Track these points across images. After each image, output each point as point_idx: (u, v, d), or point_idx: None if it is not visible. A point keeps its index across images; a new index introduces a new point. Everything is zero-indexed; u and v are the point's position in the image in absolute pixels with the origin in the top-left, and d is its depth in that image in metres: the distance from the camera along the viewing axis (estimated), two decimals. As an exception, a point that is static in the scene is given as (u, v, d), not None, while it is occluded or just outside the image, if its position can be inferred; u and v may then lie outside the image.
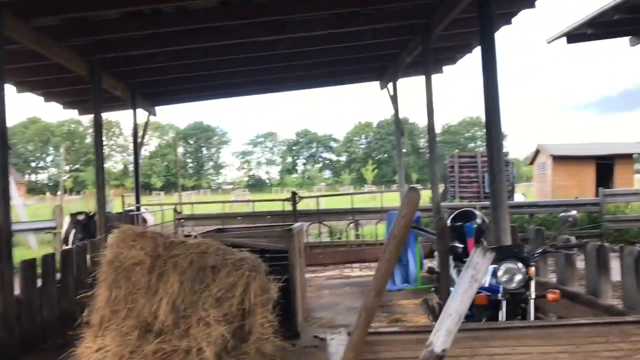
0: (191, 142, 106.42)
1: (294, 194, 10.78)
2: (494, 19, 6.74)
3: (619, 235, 14.53)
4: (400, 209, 2.38)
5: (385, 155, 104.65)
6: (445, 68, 13.30)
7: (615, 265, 4.66)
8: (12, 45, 7.60)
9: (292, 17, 8.97)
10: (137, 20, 8.23)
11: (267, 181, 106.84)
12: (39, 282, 6.93)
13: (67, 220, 12.25)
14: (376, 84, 14.18)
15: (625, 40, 13.50)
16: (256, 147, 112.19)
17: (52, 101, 12.25)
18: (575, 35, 12.82)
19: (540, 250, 4.27)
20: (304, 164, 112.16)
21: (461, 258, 5.00)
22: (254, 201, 12.29)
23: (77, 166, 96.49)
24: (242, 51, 10.14)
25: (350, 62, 12.17)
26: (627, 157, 23.54)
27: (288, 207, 11.16)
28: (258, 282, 5.51)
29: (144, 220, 12.99)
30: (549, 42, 13.65)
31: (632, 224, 14.41)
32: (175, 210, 14.91)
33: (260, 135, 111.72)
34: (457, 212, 5.14)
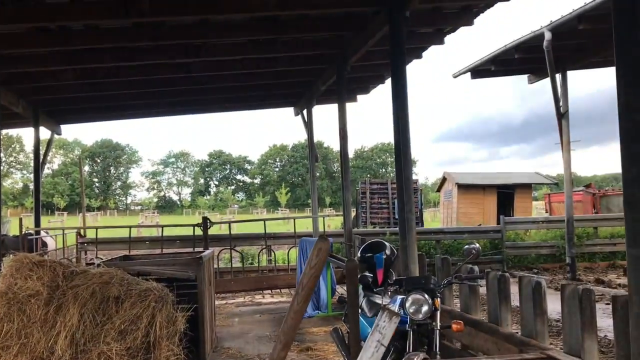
0: (98, 160, 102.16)
1: (205, 219, 10.55)
2: (405, 52, 6.99)
3: (518, 261, 15.37)
4: (310, 260, 2.39)
5: (299, 178, 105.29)
6: (359, 97, 13.66)
7: (514, 290, 4.89)
8: None
9: (208, 40, 8.89)
10: (43, 37, 7.85)
11: (178, 203, 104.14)
12: None
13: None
14: (290, 109, 14.29)
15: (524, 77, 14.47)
16: (167, 167, 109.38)
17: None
18: (479, 71, 13.60)
19: (445, 282, 4.42)
20: (217, 185, 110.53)
21: (371, 288, 5.08)
22: (163, 226, 11.86)
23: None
24: (154, 72, 9.93)
25: (265, 87, 12.20)
26: (526, 187, 25.17)
27: (199, 231, 10.92)
28: (164, 313, 5.33)
29: (44, 245, 12.25)
30: (455, 77, 14.40)
31: (530, 250, 15.30)
32: (78, 233, 14.19)
33: (172, 155, 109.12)
34: (367, 243, 5.23)
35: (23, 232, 10.83)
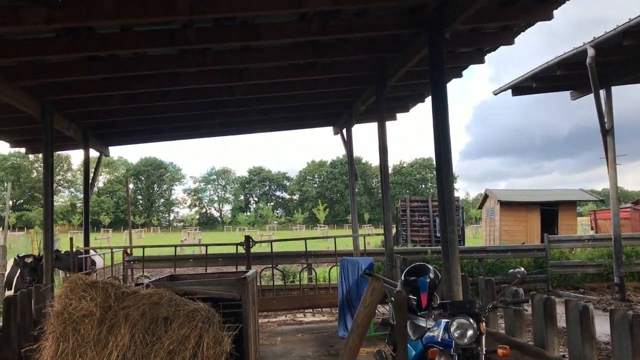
0: (142, 178, 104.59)
1: (247, 237, 10.72)
2: (445, 73, 7.02)
3: (564, 280, 15.01)
4: (364, 299, 2.46)
5: (338, 194, 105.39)
6: (398, 114, 13.68)
7: (560, 310, 4.84)
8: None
9: (250, 65, 9.12)
10: (94, 64, 8.20)
11: (219, 219, 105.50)
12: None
13: (10, 263, 11.78)
14: (329, 128, 14.43)
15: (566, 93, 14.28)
16: (209, 184, 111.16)
17: (1, 140, 11.94)
18: (520, 88, 13.49)
19: (490, 306, 4.42)
20: (257, 202, 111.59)
21: (414, 310, 5.10)
22: (207, 245, 12.09)
23: (20, 201, 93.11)
24: (199, 95, 10.21)
25: (305, 108, 12.38)
26: (570, 204, 24.55)
27: (241, 249, 11.11)
28: (211, 333, 5.45)
29: (93, 263, 12.64)
30: (495, 94, 14.31)
31: (576, 269, 14.93)
32: (125, 252, 14.58)
33: (214, 172, 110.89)
34: (410, 266, 5.25)
35: (74, 251, 11.20)
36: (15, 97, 8.23)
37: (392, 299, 5.91)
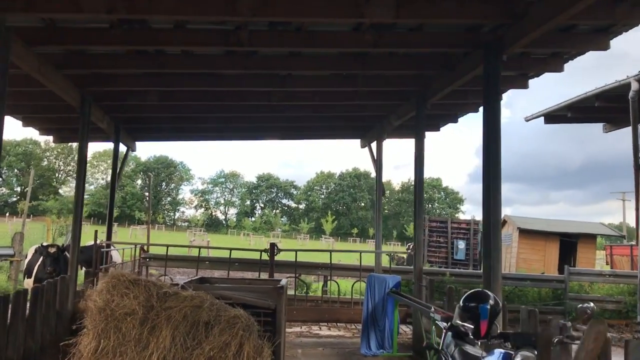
0: (151, 175, 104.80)
1: (272, 245, 10.60)
2: (500, 96, 6.92)
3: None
4: (587, 342, 2.33)
5: (344, 207, 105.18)
6: (427, 133, 13.56)
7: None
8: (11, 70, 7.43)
9: (293, 72, 9.04)
10: (140, 58, 8.13)
11: (224, 222, 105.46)
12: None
13: (31, 250, 11.70)
14: (354, 140, 14.35)
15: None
16: (217, 186, 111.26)
17: (30, 126, 11.90)
18: (554, 117, 13.35)
19: (556, 341, 4.27)
20: (263, 208, 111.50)
21: (462, 337, 4.93)
22: (230, 249, 11.96)
23: (28, 189, 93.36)
24: (236, 98, 10.12)
25: (337, 119, 12.28)
26: (590, 237, 24.25)
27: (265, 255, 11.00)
28: (252, 342, 5.33)
29: (111, 258, 12.54)
30: (527, 120, 14.18)
31: (595, 304, 14.67)
32: (142, 249, 14.49)
33: (223, 175, 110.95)
34: (470, 292, 5.09)
35: (98, 245, 11.09)
36: (60, 85, 8.17)
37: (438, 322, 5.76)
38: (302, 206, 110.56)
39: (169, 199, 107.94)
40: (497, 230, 6.71)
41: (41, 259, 10.29)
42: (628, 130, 11.53)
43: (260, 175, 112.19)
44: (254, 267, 11.02)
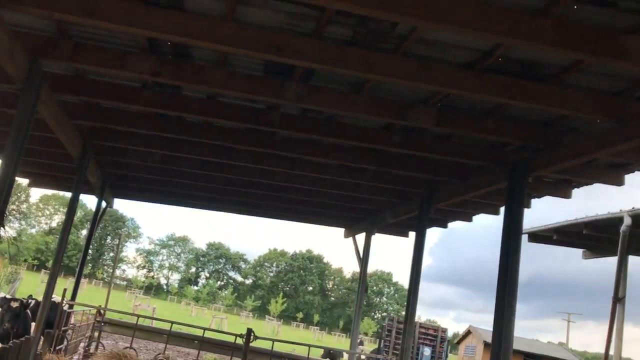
0: (121, 233, 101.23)
1: (249, 330, 10.05)
2: (523, 213, 6.93)
3: None
4: None
5: (292, 288, 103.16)
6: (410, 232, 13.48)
7: None
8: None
9: (303, 157, 8.95)
10: (157, 121, 7.93)
11: (164, 287, 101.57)
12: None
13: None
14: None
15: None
16: (164, 248, 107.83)
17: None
18: (539, 236, 13.54)
19: None
20: (208, 277, 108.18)
21: None
22: (205, 329, 11.29)
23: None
24: (240, 173, 9.92)
25: (329, 207, 12.15)
26: (552, 360, 23.97)
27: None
28: None
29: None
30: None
31: None
32: (98, 311, 13.57)
33: (172, 238, 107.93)
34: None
35: (63, 304, 10.28)
36: (68, 134, 7.82)
37: None
38: (248, 281, 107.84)
39: (111, 254, 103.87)
40: (508, 350, 6.51)
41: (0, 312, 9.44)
42: (603, 260, 11.73)
43: (211, 243, 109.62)
44: (226, 351, 10.34)
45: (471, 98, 5.93)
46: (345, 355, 19.48)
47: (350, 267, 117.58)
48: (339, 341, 59.37)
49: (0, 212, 5.45)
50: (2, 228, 5.44)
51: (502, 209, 10.51)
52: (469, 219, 11.38)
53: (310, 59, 4.97)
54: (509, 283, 6.65)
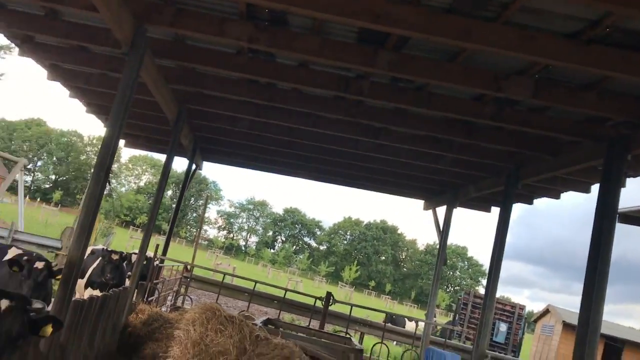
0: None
1: (329, 294, 10.30)
2: (620, 191, 6.64)
3: None
4: None
5: (365, 257, 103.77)
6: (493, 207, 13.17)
7: None
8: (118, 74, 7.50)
9: (390, 127, 8.91)
10: (250, 86, 8.12)
11: (243, 249, 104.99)
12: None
13: (87, 250, 11.56)
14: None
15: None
16: (244, 212, 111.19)
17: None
18: (632, 218, 12.86)
19: None
20: (284, 242, 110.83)
21: None
22: (285, 289, 11.69)
23: (63, 178, 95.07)
24: (324, 140, 10.01)
25: (412, 178, 12.05)
26: (637, 346, 23.13)
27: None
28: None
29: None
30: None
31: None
32: (185, 267, 14.28)
33: (251, 202, 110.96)
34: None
35: (155, 259, 10.91)
36: (166, 98, 8.17)
37: None
38: (323, 247, 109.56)
39: (194, 215, 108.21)
40: (595, 336, 6.33)
41: (98, 261, 10.14)
42: None
43: (288, 209, 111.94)
44: (305, 312, 10.68)
45: (573, 69, 5.68)
46: (408, 323, 19.53)
47: (423, 239, 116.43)
48: (410, 311, 59.44)
49: (107, 169, 5.83)
50: (108, 184, 5.81)
51: (594, 188, 10.31)
52: (557, 196, 10.92)
53: (407, 26, 4.92)
54: (600, 265, 6.42)
